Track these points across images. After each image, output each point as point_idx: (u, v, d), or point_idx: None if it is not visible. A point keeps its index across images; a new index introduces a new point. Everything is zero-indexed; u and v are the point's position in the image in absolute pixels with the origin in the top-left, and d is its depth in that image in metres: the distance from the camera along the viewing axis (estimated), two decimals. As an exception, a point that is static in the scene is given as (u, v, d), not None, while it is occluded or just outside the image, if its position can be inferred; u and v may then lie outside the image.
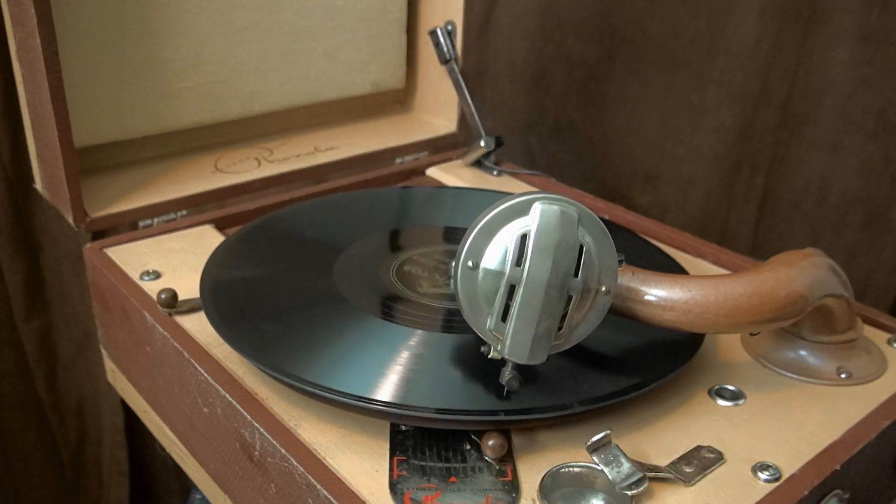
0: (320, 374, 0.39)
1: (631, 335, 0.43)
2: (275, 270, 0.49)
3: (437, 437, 0.38)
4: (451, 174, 0.69)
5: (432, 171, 0.70)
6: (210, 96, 0.65)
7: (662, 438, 0.39)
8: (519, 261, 0.36)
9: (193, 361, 0.43)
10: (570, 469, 0.36)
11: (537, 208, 0.36)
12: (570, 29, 0.93)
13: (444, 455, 0.37)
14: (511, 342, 0.36)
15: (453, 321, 0.44)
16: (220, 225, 0.59)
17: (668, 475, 0.36)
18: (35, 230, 0.81)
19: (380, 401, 0.37)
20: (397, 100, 0.80)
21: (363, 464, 0.37)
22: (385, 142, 0.72)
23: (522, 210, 0.36)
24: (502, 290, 0.36)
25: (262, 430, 0.38)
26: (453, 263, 0.38)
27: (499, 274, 0.36)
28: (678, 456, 0.38)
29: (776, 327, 0.43)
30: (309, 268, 0.49)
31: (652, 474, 0.36)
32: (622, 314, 0.40)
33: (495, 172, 0.70)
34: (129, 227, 0.59)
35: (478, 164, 0.71)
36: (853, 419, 0.41)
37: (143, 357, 0.50)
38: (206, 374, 0.42)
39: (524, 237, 0.36)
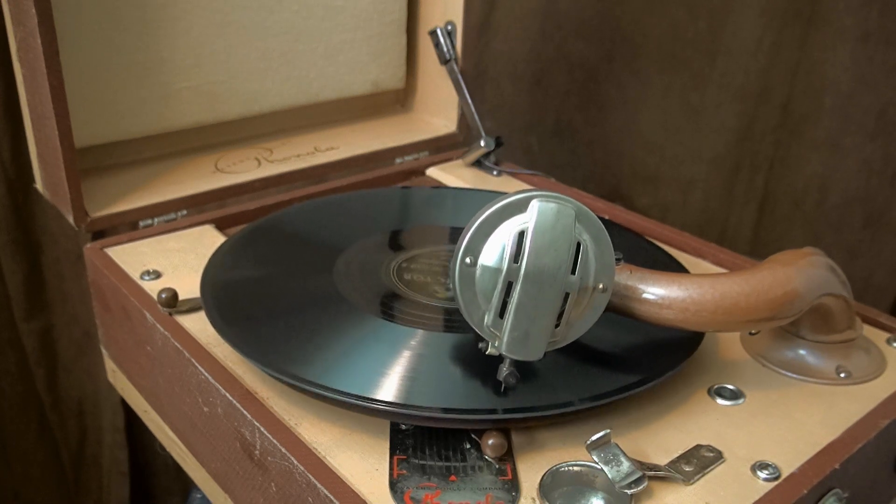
0: (320, 374, 0.39)
1: (630, 333, 0.43)
2: (275, 270, 0.49)
3: (437, 436, 0.38)
4: (451, 174, 0.69)
5: (432, 171, 0.70)
6: (210, 96, 0.65)
7: (662, 437, 0.39)
8: (516, 258, 0.36)
9: (194, 361, 0.43)
10: (570, 468, 0.36)
11: (535, 205, 0.36)
12: (570, 29, 0.93)
13: (444, 454, 0.37)
14: (508, 339, 0.37)
15: (453, 321, 0.44)
16: (221, 225, 0.59)
17: (667, 474, 0.36)
18: (35, 230, 0.81)
19: (380, 400, 0.37)
20: (397, 100, 0.80)
21: (363, 463, 0.37)
22: (385, 142, 0.72)
23: (520, 207, 0.36)
24: (500, 287, 0.36)
25: (262, 429, 0.39)
26: (451, 261, 0.38)
27: (496, 271, 0.36)
28: (678, 455, 0.38)
29: (774, 326, 0.44)
30: (309, 268, 0.49)
31: (651, 473, 0.36)
32: (620, 312, 0.40)
33: (495, 172, 0.70)
34: (129, 226, 0.59)
35: (478, 164, 0.71)
36: (852, 418, 0.41)
37: (144, 357, 0.50)
38: (206, 374, 0.42)
39: (522, 234, 0.36)
